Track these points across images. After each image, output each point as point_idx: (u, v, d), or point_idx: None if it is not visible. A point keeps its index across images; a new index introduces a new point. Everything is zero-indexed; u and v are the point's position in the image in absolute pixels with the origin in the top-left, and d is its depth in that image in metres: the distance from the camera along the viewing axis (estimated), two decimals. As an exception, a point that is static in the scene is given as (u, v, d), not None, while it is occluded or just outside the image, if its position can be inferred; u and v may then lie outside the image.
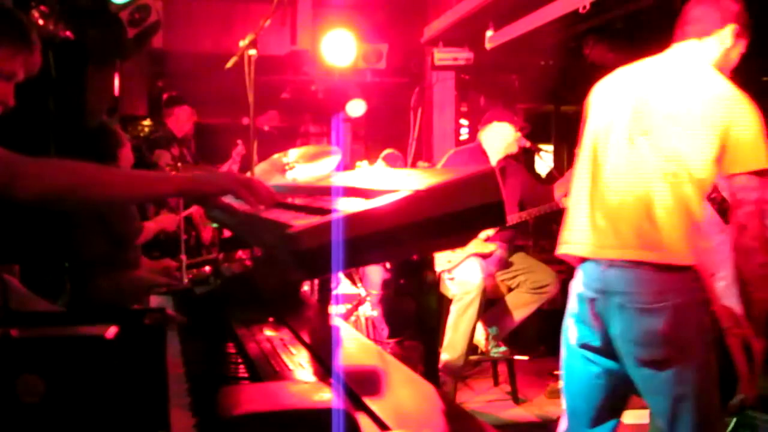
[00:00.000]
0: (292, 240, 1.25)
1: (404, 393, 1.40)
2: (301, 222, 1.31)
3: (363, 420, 1.23)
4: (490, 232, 4.95)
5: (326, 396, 1.00)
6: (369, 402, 1.28)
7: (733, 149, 2.32)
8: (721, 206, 3.53)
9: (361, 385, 1.37)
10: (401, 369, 1.55)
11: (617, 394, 2.54)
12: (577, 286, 2.57)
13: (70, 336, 1.60)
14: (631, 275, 2.36)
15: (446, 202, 1.29)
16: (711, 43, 2.51)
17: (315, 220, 1.29)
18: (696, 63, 2.50)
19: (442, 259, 4.86)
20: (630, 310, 2.37)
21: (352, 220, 1.26)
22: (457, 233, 1.34)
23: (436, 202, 1.29)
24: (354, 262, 1.28)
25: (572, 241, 2.58)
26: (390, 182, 1.46)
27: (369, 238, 1.27)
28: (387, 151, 6.30)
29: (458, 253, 4.84)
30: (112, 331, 1.63)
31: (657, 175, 2.37)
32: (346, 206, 1.35)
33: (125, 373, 1.63)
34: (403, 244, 1.31)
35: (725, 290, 2.42)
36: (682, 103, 2.38)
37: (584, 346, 2.57)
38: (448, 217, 1.29)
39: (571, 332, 2.62)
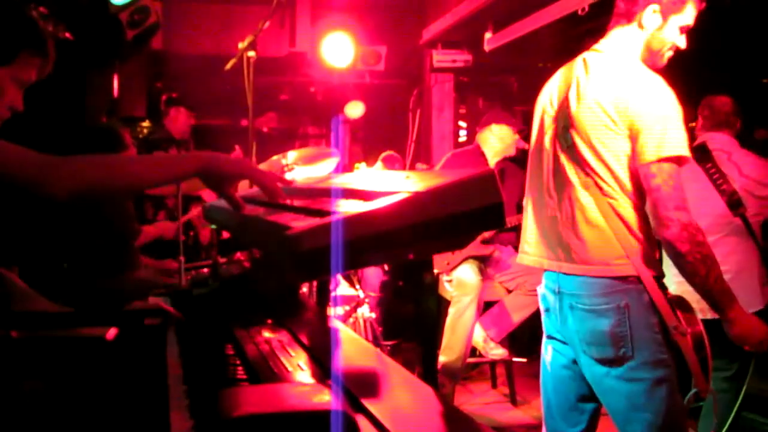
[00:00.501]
0: (291, 242, 1.24)
1: (403, 395, 1.40)
2: (299, 224, 1.31)
3: (362, 422, 1.23)
4: (488, 233, 4.95)
5: (326, 398, 1.00)
6: (368, 404, 1.27)
7: (638, 139, 2.27)
8: (731, 198, 3.53)
9: (359, 387, 1.37)
10: (400, 371, 1.54)
11: (586, 384, 2.53)
12: (541, 286, 2.61)
13: (70, 337, 1.60)
14: (577, 279, 2.38)
15: (446, 203, 1.29)
16: (633, 29, 2.44)
17: (314, 221, 1.29)
18: (614, 57, 2.43)
19: (440, 261, 4.86)
20: (579, 311, 2.39)
21: (351, 222, 1.26)
22: (457, 235, 1.34)
23: (435, 204, 1.29)
24: (353, 264, 1.27)
25: (524, 251, 2.64)
26: (389, 184, 1.46)
27: (368, 240, 1.27)
28: (386, 153, 6.31)
29: (456, 255, 4.84)
30: (112, 333, 1.63)
31: (580, 189, 2.36)
32: (345, 208, 1.35)
33: (125, 374, 1.62)
34: (402, 245, 1.31)
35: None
36: (595, 109, 2.33)
37: (551, 338, 2.60)
38: (448, 219, 1.29)
39: (543, 326, 2.65)
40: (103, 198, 1.87)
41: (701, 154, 3.66)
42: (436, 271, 4.89)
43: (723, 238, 3.57)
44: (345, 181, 1.88)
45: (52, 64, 1.86)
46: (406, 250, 1.34)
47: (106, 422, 1.50)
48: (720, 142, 3.73)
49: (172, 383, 1.65)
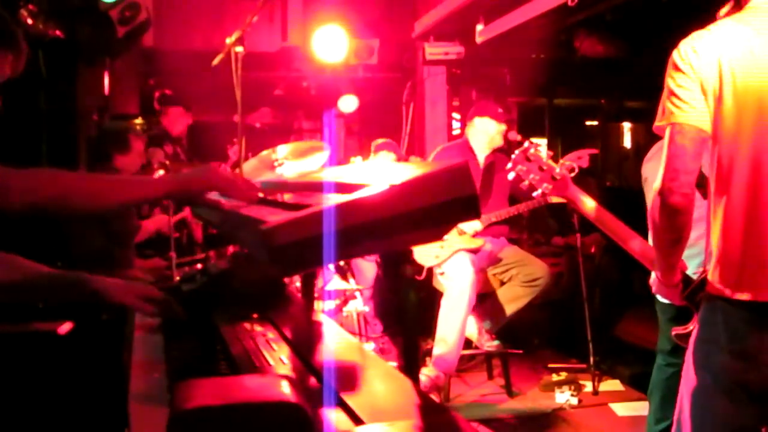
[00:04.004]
0: (266, 236, 1.25)
1: (381, 387, 1.40)
2: (275, 218, 1.31)
3: (338, 415, 1.24)
4: (478, 226, 4.93)
5: (281, 390, 1.00)
6: (345, 397, 1.28)
7: None
8: (700, 181, 3.52)
9: (338, 380, 1.38)
10: (380, 364, 1.56)
11: None
12: None
13: (21, 332, 1.59)
14: None
15: (419, 196, 1.29)
16: None
17: (289, 215, 1.29)
18: None
19: (429, 255, 4.86)
20: None
21: (325, 215, 1.26)
22: (432, 227, 1.34)
23: (408, 197, 1.29)
24: (329, 258, 1.28)
25: None
26: (366, 177, 1.46)
27: (343, 233, 1.27)
28: (379, 141, 6.20)
29: (446, 249, 4.85)
30: (65, 327, 1.62)
31: None
32: (320, 201, 1.35)
33: (80, 369, 1.63)
34: (379, 238, 1.32)
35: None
36: None
37: None
38: (421, 211, 1.29)
39: None
40: (59, 214, 1.85)
41: None
42: (426, 265, 4.89)
43: (696, 221, 3.57)
44: (326, 175, 1.88)
45: (25, 57, 1.86)
46: (383, 242, 1.34)
47: (58, 419, 1.50)
48: None
49: (156, 379, 1.66)
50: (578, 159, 5.08)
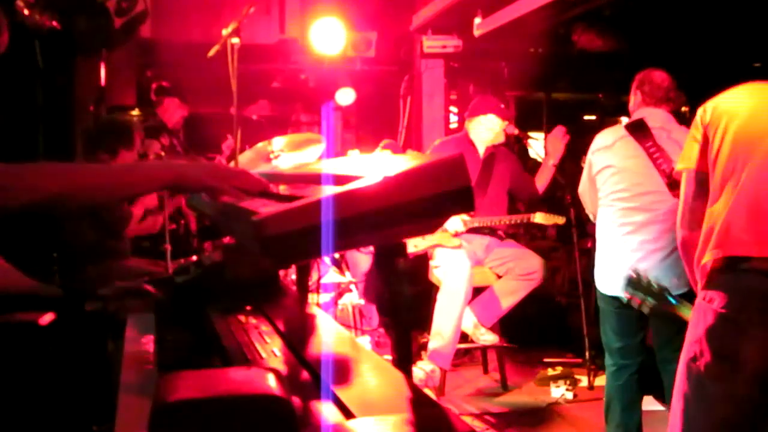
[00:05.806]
0: (256, 227, 1.24)
1: (373, 381, 1.40)
2: (267, 209, 1.30)
3: (330, 408, 1.23)
4: (460, 227, 4.91)
5: (265, 382, 0.99)
6: (337, 390, 1.27)
7: None
8: (671, 179, 3.54)
9: (330, 374, 1.37)
10: (373, 357, 1.55)
11: None
12: None
13: (1, 323, 1.57)
14: None
15: (414, 187, 1.28)
16: None
17: (280, 206, 1.28)
18: None
19: (409, 243, 4.84)
20: None
21: (317, 206, 1.25)
22: (426, 219, 1.33)
23: (403, 188, 1.28)
24: (321, 250, 1.27)
25: None
26: (361, 168, 1.45)
27: (336, 225, 1.26)
28: (386, 141, 6.20)
29: (426, 240, 4.85)
30: (47, 318, 1.60)
31: None
32: (312, 193, 1.34)
33: (62, 360, 1.61)
34: (372, 229, 1.31)
35: None
36: None
37: None
38: (416, 203, 1.28)
39: None
40: (61, 210, 1.79)
41: (641, 131, 3.61)
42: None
43: (663, 215, 3.54)
44: (321, 166, 1.87)
45: (6, 40, 1.83)
46: (375, 234, 1.33)
47: (39, 411, 1.49)
48: (660, 120, 3.64)
49: (147, 371, 1.65)
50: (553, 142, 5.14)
